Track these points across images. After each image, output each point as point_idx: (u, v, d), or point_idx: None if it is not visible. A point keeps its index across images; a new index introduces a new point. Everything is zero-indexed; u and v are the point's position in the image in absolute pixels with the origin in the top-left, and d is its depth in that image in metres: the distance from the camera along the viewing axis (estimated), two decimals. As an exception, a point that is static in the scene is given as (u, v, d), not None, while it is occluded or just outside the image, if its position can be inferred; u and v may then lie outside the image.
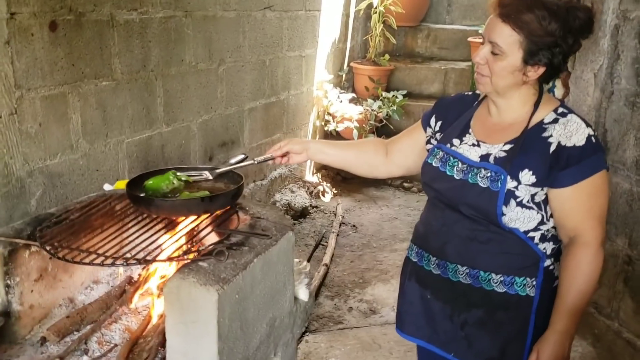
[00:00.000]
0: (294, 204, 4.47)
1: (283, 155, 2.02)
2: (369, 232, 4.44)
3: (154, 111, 3.09)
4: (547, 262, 1.70)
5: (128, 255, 1.79)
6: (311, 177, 5.09)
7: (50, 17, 2.41)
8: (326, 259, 3.89)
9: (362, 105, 5.13)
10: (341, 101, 5.05)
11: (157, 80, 3.08)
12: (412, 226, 4.79)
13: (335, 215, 4.63)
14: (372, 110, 5.02)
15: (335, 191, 5.08)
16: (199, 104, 3.47)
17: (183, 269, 1.72)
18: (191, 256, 1.78)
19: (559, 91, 2.90)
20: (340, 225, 4.47)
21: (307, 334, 3.19)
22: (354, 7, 5.41)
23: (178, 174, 2.04)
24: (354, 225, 4.53)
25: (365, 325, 3.31)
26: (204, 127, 3.55)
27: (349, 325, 3.30)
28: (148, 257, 1.78)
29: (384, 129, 5.13)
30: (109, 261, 1.76)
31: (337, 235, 4.28)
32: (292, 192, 4.62)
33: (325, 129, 5.08)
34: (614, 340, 2.74)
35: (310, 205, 4.68)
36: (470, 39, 5.65)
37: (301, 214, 4.51)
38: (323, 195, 4.93)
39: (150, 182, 2.00)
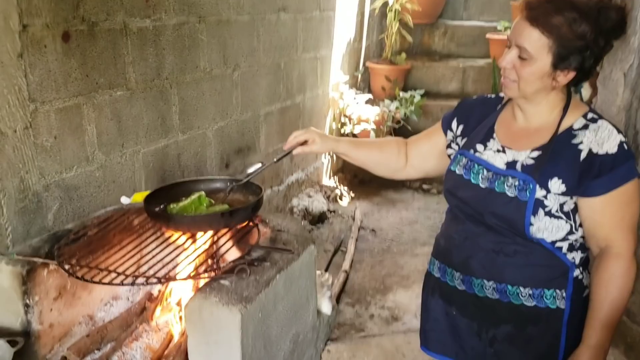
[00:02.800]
0: (312, 209, 4.40)
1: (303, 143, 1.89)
2: (388, 237, 4.37)
3: (169, 119, 3.05)
4: (576, 272, 1.65)
5: (148, 273, 1.75)
6: (328, 180, 5.03)
7: (63, 27, 2.37)
8: (346, 265, 3.82)
9: (379, 106, 5.05)
10: (357, 102, 4.98)
11: (171, 88, 3.03)
12: (433, 229, 4.73)
13: (354, 219, 4.56)
14: (389, 111, 4.94)
15: (352, 194, 5.00)
16: (215, 110, 3.42)
17: (204, 287, 1.67)
18: (212, 274, 1.73)
19: (586, 92, 2.80)
20: (359, 229, 4.39)
21: (329, 342, 3.12)
22: (368, 5, 5.33)
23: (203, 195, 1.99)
24: (373, 230, 4.46)
25: (387, 333, 3.24)
26: (220, 133, 3.50)
27: (371, 333, 3.23)
28: (168, 276, 1.72)
29: (401, 130, 5.05)
30: (129, 280, 1.72)
31: (356, 240, 4.21)
32: (309, 196, 4.56)
33: (342, 131, 5.01)
34: (648, 348, 2.66)
35: (328, 210, 4.61)
36: (488, 35, 5.55)
37: (319, 219, 4.45)
38: (340, 199, 4.86)
39: (176, 209, 1.94)
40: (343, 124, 4.99)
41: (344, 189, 4.97)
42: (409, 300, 3.52)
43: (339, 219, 4.61)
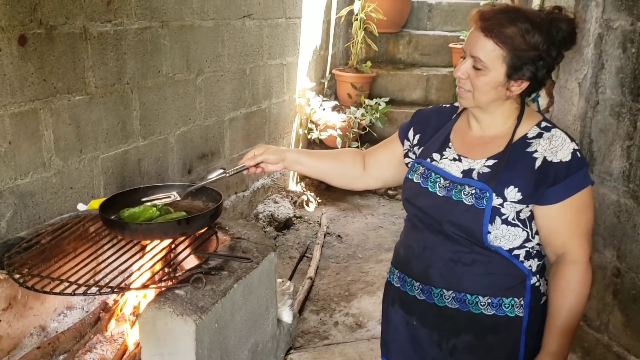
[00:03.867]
0: (278, 215, 4.38)
1: (257, 165, 1.89)
2: (354, 242, 4.37)
3: (130, 125, 3.00)
4: (533, 280, 1.65)
5: (102, 282, 1.71)
6: (295, 186, 5.01)
7: (20, 31, 2.32)
8: (311, 271, 3.81)
9: (345, 113, 5.07)
10: (324, 109, 4.98)
11: (132, 92, 2.99)
12: (397, 235, 4.69)
13: (320, 225, 4.55)
14: (355, 117, 4.95)
15: (319, 200, 5.00)
16: (177, 115, 3.38)
17: (159, 297, 1.64)
18: (167, 283, 1.70)
19: (543, 100, 2.85)
20: (324, 235, 4.39)
21: (292, 351, 3.10)
22: (334, 14, 5.35)
23: (156, 202, 1.95)
24: (338, 236, 4.46)
25: (351, 341, 3.22)
26: (183, 139, 3.46)
27: (335, 341, 3.22)
28: (122, 285, 1.69)
29: (367, 137, 5.08)
30: (81, 290, 1.67)
31: (322, 246, 4.20)
32: (276, 202, 4.53)
33: (309, 137, 5.01)
34: (604, 354, 2.70)
35: (294, 216, 4.60)
36: (451, 45, 5.62)
37: (285, 225, 4.43)
38: (307, 204, 4.85)
39: (126, 213, 1.91)
40: (310, 130, 4.99)
41: (310, 195, 4.96)
42: (373, 306, 3.51)
43: (305, 224, 4.60)
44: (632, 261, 2.51)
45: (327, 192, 5.25)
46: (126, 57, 2.91)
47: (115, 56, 2.83)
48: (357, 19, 5.30)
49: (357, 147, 4.92)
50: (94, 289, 1.65)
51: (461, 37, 5.60)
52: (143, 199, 1.95)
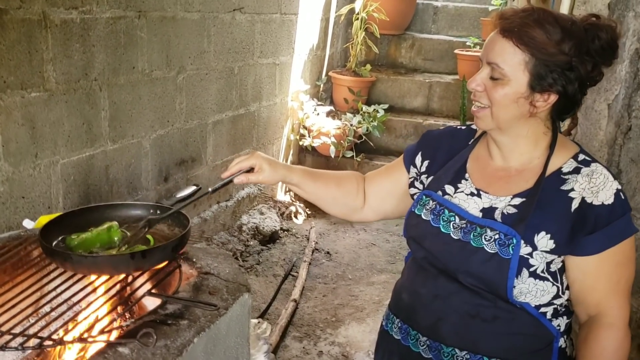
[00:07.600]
0: (263, 228, 4.04)
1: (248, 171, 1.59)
2: (344, 261, 4.03)
3: (97, 126, 2.65)
4: (561, 342, 1.39)
5: (32, 330, 1.37)
6: (283, 195, 4.67)
7: (-39, 14, 1.98)
8: (295, 293, 3.48)
9: (341, 119, 4.74)
10: (318, 114, 4.64)
11: (101, 90, 2.64)
12: (391, 254, 4.35)
13: (308, 240, 4.22)
14: (351, 125, 4.62)
15: (309, 212, 4.65)
16: (153, 117, 3.03)
17: (97, 357, 1.30)
18: (109, 336, 1.36)
19: (565, 122, 2.54)
20: (312, 252, 4.05)
21: (271, 386, 2.77)
22: (334, 11, 5.01)
23: (119, 228, 1.62)
24: (328, 252, 4.12)
25: (336, 375, 2.91)
26: (159, 143, 3.11)
27: (319, 375, 2.90)
28: (54, 337, 1.35)
29: (363, 146, 4.74)
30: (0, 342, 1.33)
31: (309, 264, 3.87)
32: (262, 213, 4.19)
33: (300, 143, 4.67)
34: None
35: (281, 229, 4.25)
36: (457, 50, 5.30)
37: (270, 239, 4.08)
38: (295, 216, 4.51)
39: (75, 241, 1.57)
40: (302, 136, 4.65)
41: (299, 206, 4.61)
42: (362, 335, 3.20)
43: (292, 238, 4.26)
44: (661, 309, 2.20)
45: (317, 202, 4.92)
46: (95, 50, 2.56)
47: (81, 48, 2.49)
48: (357, 19, 4.98)
49: (352, 156, 4.61)
50: (15, 343, 1.31)
51: (467, 44, 5.28)
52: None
